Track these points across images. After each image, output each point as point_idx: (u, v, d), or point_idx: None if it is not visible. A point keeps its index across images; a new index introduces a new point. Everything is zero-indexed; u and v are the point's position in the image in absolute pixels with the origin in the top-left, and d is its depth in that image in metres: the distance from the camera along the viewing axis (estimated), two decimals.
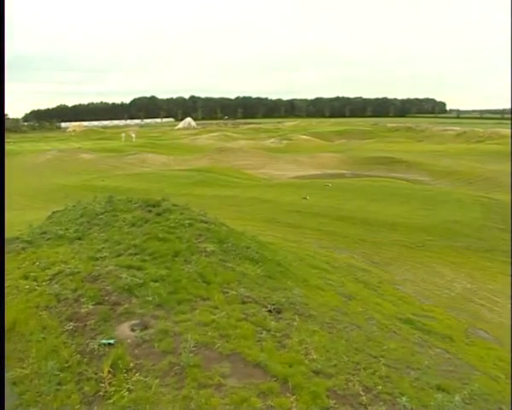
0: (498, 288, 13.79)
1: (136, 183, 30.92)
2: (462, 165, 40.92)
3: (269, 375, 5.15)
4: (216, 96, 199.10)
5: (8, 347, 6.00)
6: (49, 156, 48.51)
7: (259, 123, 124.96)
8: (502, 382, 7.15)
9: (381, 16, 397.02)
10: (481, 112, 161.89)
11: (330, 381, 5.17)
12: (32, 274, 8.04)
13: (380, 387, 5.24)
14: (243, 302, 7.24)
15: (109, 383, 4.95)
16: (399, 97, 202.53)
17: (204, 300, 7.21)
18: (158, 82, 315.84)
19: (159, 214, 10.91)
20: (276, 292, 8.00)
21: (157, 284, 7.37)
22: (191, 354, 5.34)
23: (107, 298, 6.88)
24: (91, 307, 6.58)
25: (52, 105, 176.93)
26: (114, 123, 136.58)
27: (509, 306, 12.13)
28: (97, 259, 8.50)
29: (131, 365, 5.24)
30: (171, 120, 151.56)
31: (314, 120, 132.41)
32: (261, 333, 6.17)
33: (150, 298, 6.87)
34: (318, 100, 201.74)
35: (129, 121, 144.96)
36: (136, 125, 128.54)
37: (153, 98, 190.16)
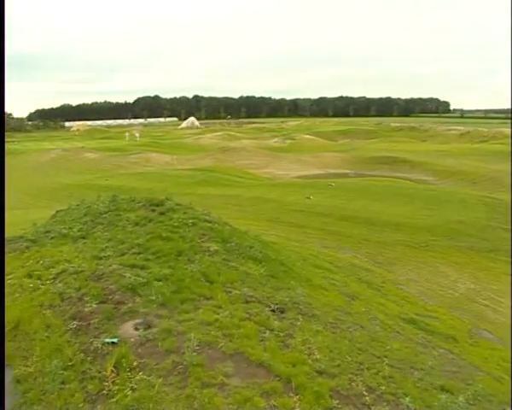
0: (502, 288, 13.72)
1: (139, 182, 30.98)
2: (466, 165, 40.73)
3: (272, 375, 5.15)
4: (219, 95, 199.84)
5: (12, 345, 6.04)
6: (53, 155, 48.67)
7: (263, 122, 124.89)
8: (506, 383, 7.12)
9: (385, 16, 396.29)
10: (486, 111, 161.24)
11: (333, 381, 5.16)
12: (36, 273, 8.06)
13: (383, 387, 5.23)
14: (246, 302, 7.24)
15: (113, 382, 4.96)
16: (403, 97, 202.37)
17: (207, 299, 7.21)
18: (161, 81, 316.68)
19: (162, 214, 10.92)
20: (279, 292, 8.00)
21: (160, 283, 7.37)
22: (194, 354, 5.34)
23: (110, 297, 6.89)
24: (95, 305, 6.59)
25: (56, 104, 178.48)
26: (118, 122, 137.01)
27: None
28: (101, 258, 8.52)
29: (135, 364, 5.24)
30: (175, 119, 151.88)
31: (317, 120, 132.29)
32: (264, 333, 6.17)
33: (154, 297, 6.88)
34: (322, 99, 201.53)
35: (132, 121, 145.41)
36: (140, 124, 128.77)
37: (156, 98, 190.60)
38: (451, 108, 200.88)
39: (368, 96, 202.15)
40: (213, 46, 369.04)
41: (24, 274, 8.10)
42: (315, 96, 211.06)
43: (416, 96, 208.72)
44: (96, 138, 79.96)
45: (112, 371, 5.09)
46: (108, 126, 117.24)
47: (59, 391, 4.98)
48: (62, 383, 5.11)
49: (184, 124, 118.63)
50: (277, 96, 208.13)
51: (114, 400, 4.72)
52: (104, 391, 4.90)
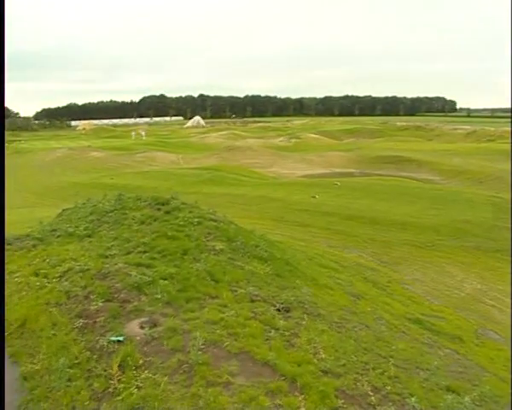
0: (508, 289, 13.61)
1: (145, 181, 31.09)
2: (472, 164, 40.50)
3: (277, 374, 5.14)
4: (225, 94, 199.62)
5: (19, 343, 6.09)
6: (59, 154, 48.94)
7: (268, 121, 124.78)
8: None
9: (391, 15, 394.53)
10: (492, 110, 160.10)
11: (339, 381, 5.15)
12: (42, 271, 8.12)
13: (389, 387, 5.21)
14: (252, 301, 7.24)
15: (118, 380, 4.97)
16: (409, 96, 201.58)
17: (213, 298, 7.21)
18: (167, 81, 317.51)
19: (168, 212, 10.95)
20: (284, 291, 7.99)
21: (166, 281, 7.39)
22: (200, 352, 5.34)
23: (116, 295, 6.91)
24: (101, 304, 6.61)
25: (63, 103, 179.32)
26: (124, 121, 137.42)
27: None
28: (107, 256, 8.55)
29: (140, 362, 5.26)
30: (180, 118, 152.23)
31: (323, 119, 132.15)
32: (270, 332, 6.16)
33: (159, 296, 6.89)
34: (327, 98, 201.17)
35: (138, 120, 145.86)
36: (146, 123, 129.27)
37: (162, 97, 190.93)
38: (458, 107, 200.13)
39: (374, 95, 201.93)
40: (219, 45, 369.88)
41: (30, 272, 8.16)
42: (320, 95, 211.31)
43: (422, 95, 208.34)
44: (101, 137, 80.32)
45: (117, 369, 5.11)
46: (114, 125, 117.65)
47: (65, 389, 5.01)
48: (68, 380, 5.13)
49: (190, 123, 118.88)
50: (283, 95, 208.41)
51: (120, 398, 4.73)
52: (110, 389, 4.92)
